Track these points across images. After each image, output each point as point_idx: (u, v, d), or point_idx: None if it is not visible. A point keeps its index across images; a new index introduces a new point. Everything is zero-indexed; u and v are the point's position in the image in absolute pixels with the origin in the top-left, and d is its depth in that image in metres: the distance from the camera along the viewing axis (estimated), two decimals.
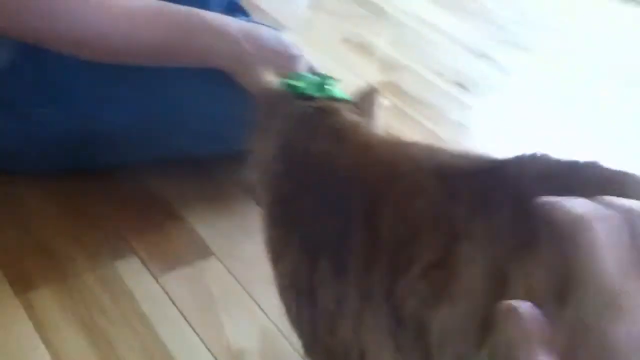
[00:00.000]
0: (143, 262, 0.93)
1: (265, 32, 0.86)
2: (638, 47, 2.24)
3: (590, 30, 2.30)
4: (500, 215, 0.42)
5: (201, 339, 0.84)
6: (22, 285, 0.87)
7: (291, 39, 0.93)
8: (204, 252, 0.96)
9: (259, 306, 0.89)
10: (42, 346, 0.80)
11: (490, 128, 1.44)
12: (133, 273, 0.91)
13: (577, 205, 0.28)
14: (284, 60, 0.83)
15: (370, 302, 0.49)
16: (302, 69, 0.85)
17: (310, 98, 0.65)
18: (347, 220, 0.52)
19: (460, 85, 1.56)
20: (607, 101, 1.76)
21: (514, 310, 0.27)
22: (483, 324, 0.41)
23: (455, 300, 0.42)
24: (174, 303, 0.88)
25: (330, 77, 0.69)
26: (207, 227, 1.00)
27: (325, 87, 0.67)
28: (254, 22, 1.13)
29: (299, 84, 0.67)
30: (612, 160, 0.47)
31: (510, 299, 0.28)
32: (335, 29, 1.69)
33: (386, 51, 1.64)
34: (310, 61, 0.90)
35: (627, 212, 0.27)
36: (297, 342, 0.67)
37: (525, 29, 2.12)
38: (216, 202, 1.05)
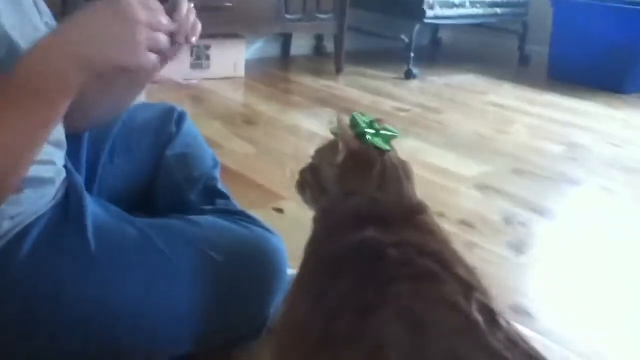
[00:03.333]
0: None
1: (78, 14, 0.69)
2: None
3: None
4: None
5: None
6: None
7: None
8: None
9: None
10: None
11: (501, 269, 1.38)
12: None
13: None
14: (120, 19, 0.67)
15: None
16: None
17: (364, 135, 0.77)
18: None
19: (466, 223, 1.53)
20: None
21: None
22: None
23: None
24: None
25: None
26: None
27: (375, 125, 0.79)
28: (233, 205, 1.15)
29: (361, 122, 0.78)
30: None
31: None
32: None
33: None
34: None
35: None
36: None
37: (527, 154, 2.12)
38: None
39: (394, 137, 0.80)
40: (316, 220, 0.81)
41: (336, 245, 0.73)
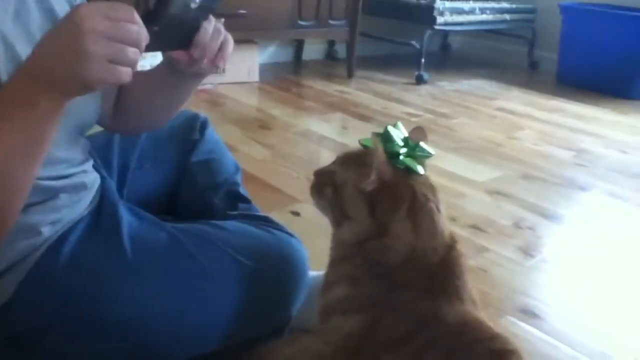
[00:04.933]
0: None
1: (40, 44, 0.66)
2: None
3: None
4: None
5: None
6: None
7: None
8: None
9: None
10: None
11: (511, 272, 1.42)
12: None
13: None
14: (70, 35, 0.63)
15: None
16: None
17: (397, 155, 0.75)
18: None
19: (476, 227, 1.58)
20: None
21: None
22: None
23: None
24: None
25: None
26: None
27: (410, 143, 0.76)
28: (255, 209, 1.21)
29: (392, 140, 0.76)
30: None
31: None
32: None
33: None
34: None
35: None
36: None
37: (535, 160, 2.16)
38: None
39: (428, 157, 0.77)
40: (347, 249, 0.81)
41: (407, 319, 0.76)
